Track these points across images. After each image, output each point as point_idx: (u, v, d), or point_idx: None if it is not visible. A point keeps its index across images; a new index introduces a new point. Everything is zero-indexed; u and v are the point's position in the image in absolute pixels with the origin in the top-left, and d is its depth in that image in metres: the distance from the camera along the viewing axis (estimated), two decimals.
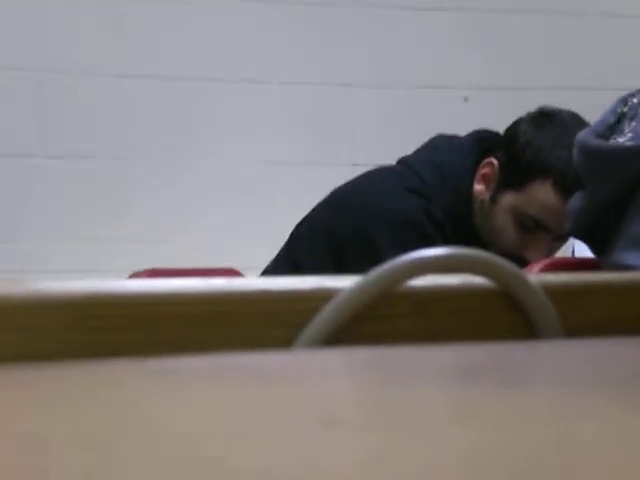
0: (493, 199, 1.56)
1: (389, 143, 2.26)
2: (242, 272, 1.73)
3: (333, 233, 1.55)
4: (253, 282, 0.43)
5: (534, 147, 1.52)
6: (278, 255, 1.65)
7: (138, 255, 2.14)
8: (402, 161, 1.65)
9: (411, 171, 1.59)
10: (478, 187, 1.58)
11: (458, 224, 1.56)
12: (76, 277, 0.43)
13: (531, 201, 1.51)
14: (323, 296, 0.43)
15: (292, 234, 1.63)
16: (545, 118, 1.58)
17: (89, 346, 0.39)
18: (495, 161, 1.56)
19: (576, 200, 1.33)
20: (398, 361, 0.37)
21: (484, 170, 1.57)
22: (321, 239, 1.56)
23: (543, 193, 1.51)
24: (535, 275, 0.49)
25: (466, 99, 2.40)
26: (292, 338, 0.42)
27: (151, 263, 1.79)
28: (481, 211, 1.57)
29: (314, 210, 1.64)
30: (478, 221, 1.57)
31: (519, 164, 1.52)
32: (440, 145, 1.64)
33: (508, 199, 1.54)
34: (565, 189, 1.45)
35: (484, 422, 0.25)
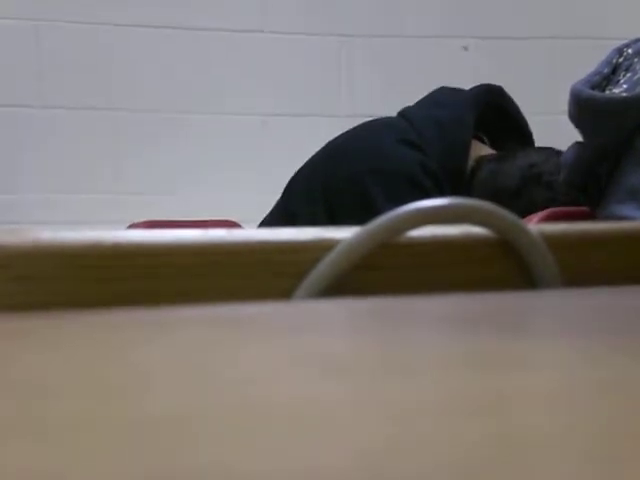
0: None
1: (388, 94, 2.25)
2: (240, 224, 1.73)
3: (327, 183, 1.55)
4: (252, 233, 0.43)
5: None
6: (275, 206, 1.66)
7: (136, 208, 2.14)
8: (402, 114, 1.64)
9: (409, 124, 1.58)
10: None
11: (454, 177, 1.55)
12: (74, 228, 0.43)
13: None
14: (323, 247, 0.43)
15: (288, 185, 1.63)
16: (526, 195, 1.52)
17: (88, 296, 0.40)
18: None
19: (570, 151, 1.33)
20: (397, 311, 0.37)
21: None
22: (316, 189, 1.56)
23: None
24: (534, 225, 0.49)
25: (465, 48, 2.38)
26: (292, 289, 0.42)
27: (149, 216, 1.79)
28: None
29: (309, 161, 1.64)
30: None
31: None
32: (442, 99, 1.63)
33: None
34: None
35: (485, 369, 0.25)
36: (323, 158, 1.60)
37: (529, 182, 1.51)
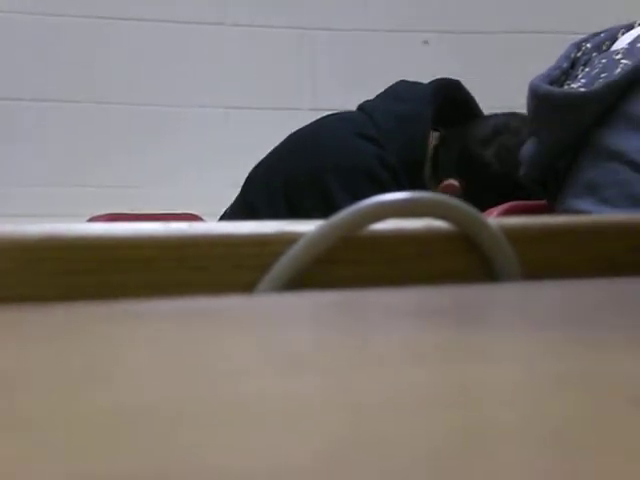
0: None
1: (350, 87, 2.26)
2: (202, 218, 1.72)
3: (287, 177, 1.55)
4: (215, 226, 0.43)
5: (502, 178, 1.50)
6: (235, 201, 1.66)
7: (98, 202, 2.13)
8: (361, 107, 1.65)
9: (368, 118, 1.59)
10: None
11: (412, 172, 1.56)
12: (34, 221, 0.42)
13: None
14: (285, 240, 0.43)
15: (247, 179, 1.63)
16: (505, 142, 1.54)
17: (45, 290, 0.39)
18: (457, 185, 1.55)
19: (529, 146, 1.33)
20: (360, 305, 0.38)
21: (446, 191, 1.55)
22: (275, 183, 1.56)
23: None
24: (494, 218, 0.49)
25: (426, 42, 2.39)
26: (254, 282, 0.42)
27: (111, 210, 1.78)
28: None
29: (269, 155, 1.64)
30: None
31: (487, 195, 1.50)
32: (400, 93, 1.64)
33: None
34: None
35: (447, 362, 0.26)
36: (282, 152, 1.60)
37: (499, 130, 1.53)
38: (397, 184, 1.52)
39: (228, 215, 1.65)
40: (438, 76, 1.69)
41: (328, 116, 1.65)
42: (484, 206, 1.50)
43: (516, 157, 1.40)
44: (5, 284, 0.39)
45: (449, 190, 1.54)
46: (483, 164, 1.53)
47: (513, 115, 1.55)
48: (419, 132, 1.57)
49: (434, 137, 1.59)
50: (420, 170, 1.57)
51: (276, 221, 0.44)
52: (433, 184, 1.57)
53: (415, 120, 1.57)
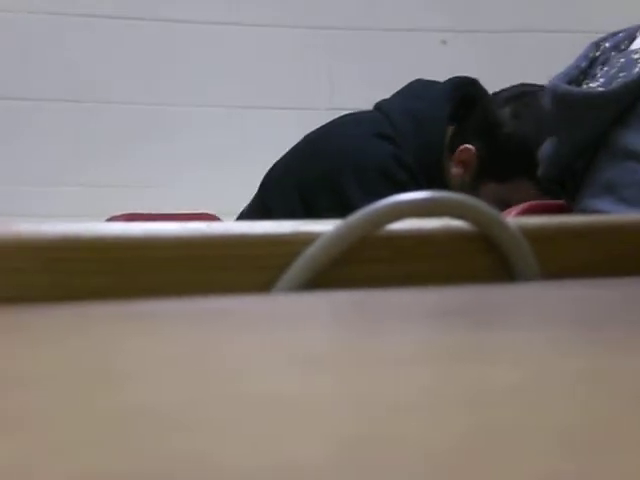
0: (473, 185, 1.54)
1: (365, 87, 2.25)
2: (219, 217, 1.72)
3: (303, 178, 1.55)
4: (232, 226, 0.43)
5: (518, 143, 1.49)
6: (252, 201, 1.66)
7: (116, 201, 2.13)
8: (377, 107, 1.65)
9: (384, 117, 1.58)
10: (456, 170, 1.57)
11: (430, 171, 1.56)
12: (54, 221, 0.43)
13: (515, 194, 1.49)
14: (303, 240, 0.43)
15: (264, 180, 1.63)
16: (521, 104, 1.54)
17: (66, 290, 0.39)
18: (473, 148, 1.54)
19: (547, 146, 1.33)
20: (377, 304, 0.38)
21: (462, 156, 1.55)
22: (292, 184, 1.56)
23: (526, 189, 1.49)
24: (513, 218, 0.49)
25: (444, 42, 2.39)
26: (272, 282, 0.42)
27: (129, 209, 1.78)
28: (461, 189, 1.56)
29: (286, 155, 1.64)
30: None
31: (502, 159, 1.50)
32: (417, 91, 1.63)
33: (491, 188, 1.52)
34: (550, 191, 1.43)
35: (465, 362, 0.26)
36: (299, 153, 1.60)
37: (515, 95, 1.53)
38: (415, 183, 1.52)
39: (245, 215, 1.65)
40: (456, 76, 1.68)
41: (344, 116, 1.65)
42: (496, 175, 1.49)
43: (530, 122, 1.40)
44: (22, 284, 0.39)
45: (464, 155, 1.54)
46: (497, 124, 1.52)
47: (526, 85, 1.56)
48: (436, 131, 1.57)
49: (450, 130, 1.59)
50: (438, 169, 1.56)
51: (293, 221, 0.44)
52: (449, 161, 1.56)
53: (433, 119, 1.57)
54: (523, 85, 1.57)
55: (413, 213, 0.44)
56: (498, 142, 1.51)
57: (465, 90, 1.62)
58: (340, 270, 0.43)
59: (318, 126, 1.65)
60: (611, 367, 0.25)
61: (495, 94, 1.58)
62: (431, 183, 1.51)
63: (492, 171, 1.52)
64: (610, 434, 0.18)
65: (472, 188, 1.52)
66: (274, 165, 1.63)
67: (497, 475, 0.16)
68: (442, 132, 1.57)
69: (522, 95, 1.54)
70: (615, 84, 1.25)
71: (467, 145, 1.54)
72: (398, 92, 1.66)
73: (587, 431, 0.19)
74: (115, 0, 2.26)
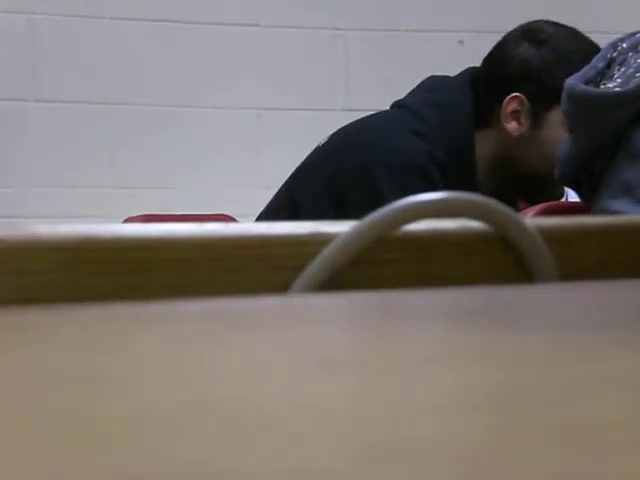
0: (536, 125, 1.53)
1: (382, 88, 2.25)
2: (236, 219, 1.72)
3: (334, 176, 1.54)
4: (249, 227, 0.43)
5: (560, 68, 1.49)
6: (275, 198, 1.64)
7: (133, 202, 2.14)
8: (398, 104, 1.64)
9: (410, 113, 1.57)
10: (510, 125, 1.56)
11: (460, 164, 1.55)
12: (71, 222, 0.43)
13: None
14: (320, 241, 0.43)
15: (293, 175, 1.61)
16: (532, 32, 1.56)
17: (84, 290, 0.40)
18: (520, 94, 1.54)
19: (565, 146, 1.33)
20: (395, 305, 0.38)
21: (511, 107, 1.54)
22: (321, 182, 1.55)
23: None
24: (531, 219, 0.49)
25: (461, 42, 2.38)
26: (289, 283, 0.42)
27: (145, 210, 1.79)
28: (522, 146, 1.55)
29: (313, 154, 1.62)
30: (517, 157, 1.55)
31: (553, 88, 1.48)
32: (434, 85, 1.63)
33: (556, 115, 1.50)
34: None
35: (482, 364, 0.25)
36: (327, 151, 1.58)
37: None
38: (444, 180, 1.51)
39: (268, 213, 1.63)
40: None
41: (372, 115, 1.63)
42: (551, 103, 1.48)
43: (557, 40, 1.43)
44: (42, 285, 0.39)
45: (513, 104, 1.52)
46: (528, 59, 1.52)
47: (518, 26, 1.58)
48: (463, 127, 1.56)
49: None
50: (468, 157, 1.55)
51: (310, 222, 0.44)
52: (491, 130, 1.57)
53: (455, 113, 1.56)
54: (515, 28, 1.59)
55: (430, 214, 0.44)
56: (540, 76, 1.51)
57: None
58: (357, 271, 0.43)
59: (335, 127, 1.65)
60: (633, 368, 0.24)
61: (498, 46, 1.59)
62: (461, 175, 1.51)
63: (548, 101, 1.50)
64: (637, 435, 0.18)
65: (536, 130, 1.52)
66: (302, 164, 1.61)
67: (523, 475, 0.16)
68: (469, 124, 1.56)
69: (526, 28, 1.56)
70: (632, 84, 1.25)
71: (512, 94, 1.54)
72: (414, 89, 1.65)
73: (611, 432, 0.19)
74: (139, 3, 2.27)
